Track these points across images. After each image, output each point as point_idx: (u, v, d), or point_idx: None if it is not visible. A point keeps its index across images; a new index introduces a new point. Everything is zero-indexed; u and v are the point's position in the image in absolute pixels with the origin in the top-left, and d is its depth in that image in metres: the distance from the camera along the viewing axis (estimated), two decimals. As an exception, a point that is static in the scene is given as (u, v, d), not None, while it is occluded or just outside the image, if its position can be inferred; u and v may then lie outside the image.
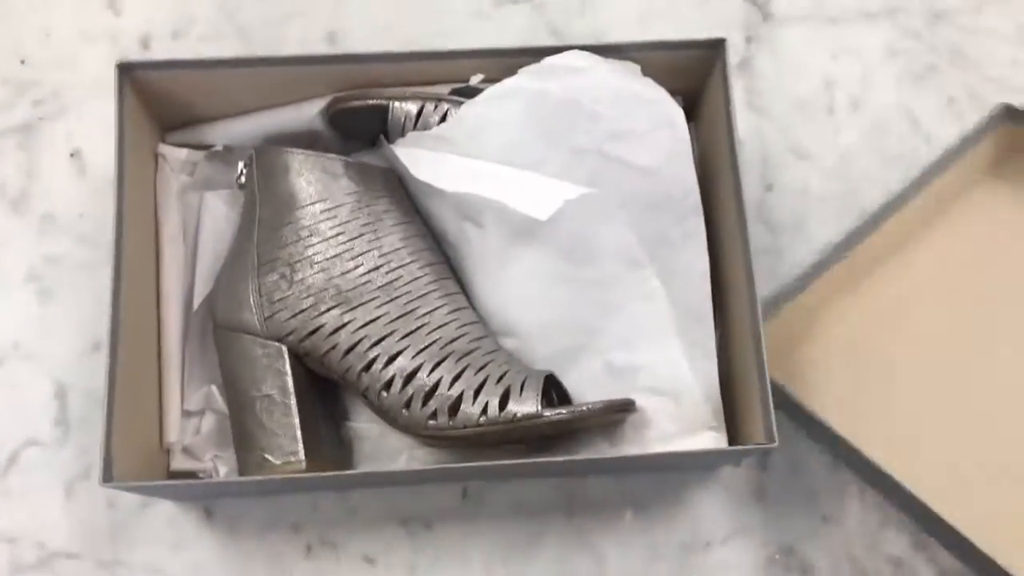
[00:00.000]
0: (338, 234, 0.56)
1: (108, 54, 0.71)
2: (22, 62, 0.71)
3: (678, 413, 0.58)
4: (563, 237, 0.57)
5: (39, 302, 0.66)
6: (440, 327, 0.56)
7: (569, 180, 0.57)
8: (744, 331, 0.55)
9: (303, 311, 0.56)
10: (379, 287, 0.56)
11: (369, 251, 0.56)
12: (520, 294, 0.58)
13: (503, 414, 0.53)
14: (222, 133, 0.64)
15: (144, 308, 0.60)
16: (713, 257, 0.58)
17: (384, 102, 0.59)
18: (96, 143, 0.69)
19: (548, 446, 0.59)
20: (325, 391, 0.60)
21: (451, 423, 0.54)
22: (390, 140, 0.61)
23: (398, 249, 0.57)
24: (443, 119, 0.59)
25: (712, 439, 0.57)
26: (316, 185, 0.57)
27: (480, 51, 0.59)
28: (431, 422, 0.54)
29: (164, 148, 0.64)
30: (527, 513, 0.62)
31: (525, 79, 0.58)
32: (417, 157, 0.59)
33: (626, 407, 0.55)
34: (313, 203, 0.57)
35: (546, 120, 0.58)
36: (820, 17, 0.73)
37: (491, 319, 0.59)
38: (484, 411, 0.54)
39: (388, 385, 0.55)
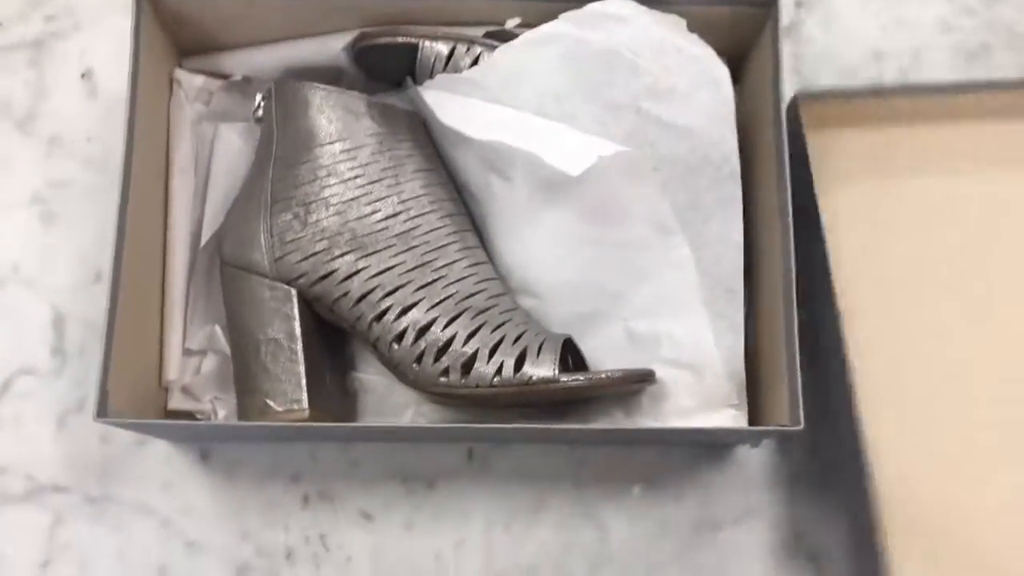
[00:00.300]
0: (357, 176, 0.54)
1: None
2: (36, -26, 0.68)
3: (698, 388, 0.55)
4: (593, 196, 0.54)
5: (42, 226, 0.64)
6: (457, 281, 0.54)
7: (604, 136, 0.55)
8: (775, 306, 0.53)
9: (315, 254, 0.54)
10: (396, 235, 0.54)
11: (388, 197, 0.54)
12: (543, 252, 0.56)
13: (518, 376, 0.52)
14: (242, 62, 0.61)
15: (150, 240, 0.57)
16: (747, 227, 0.56)
17: (414, 40, 0.56)
18: (109, 64, 0.66)
19: (561, 412, 0.56)
20: (333, 339, 0.57)
21: (463, 381, 0.52)
22: (417, 82, 0.58)
23: (419, 197, 0.55)
24: (475, 63, 0.56)
25: (732, 417, 0.55)
26: (337, 124, 0.55)
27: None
28: (442, 379, 0.53)
29: (180, 73, 0.61)
30: (533, 479, 0.60)
31: (564, 25, 0.56)
32: (445, 101, 0.56)
33: (645, 378, 0.53)
34: (332, 142, 0.54)
35: (583, 71, 0.55)
36: (873, -14, 0.70)
37: (511, 276, 0.57)
38: (499, 371, 0.52)
39: (400, 337, 0.53)
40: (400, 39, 0.57)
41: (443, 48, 0.56)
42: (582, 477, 0.61)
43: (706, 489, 0.61)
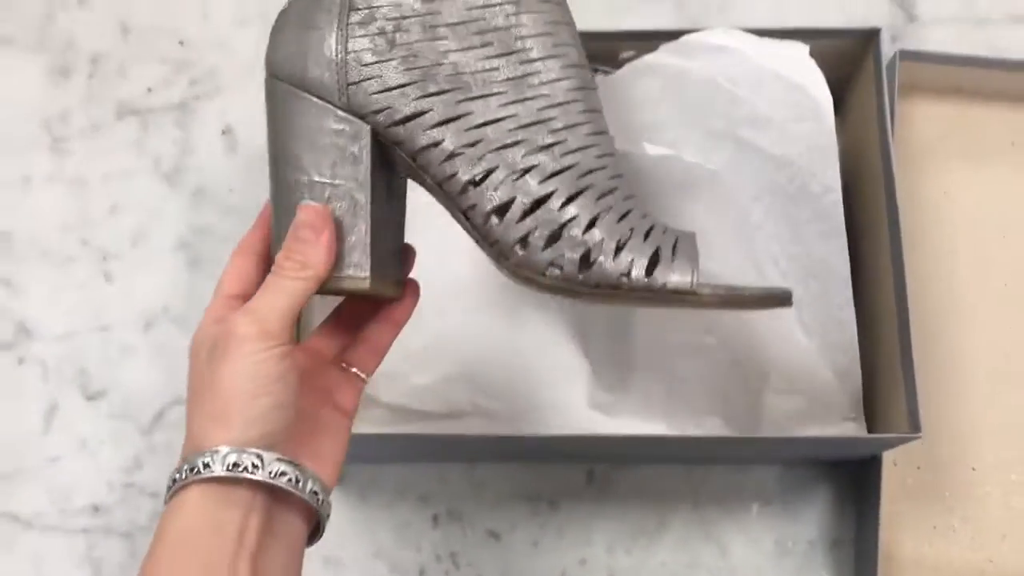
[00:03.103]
0: None
1: (261, 37, 0.74)
2: (181, 43, 0.75)
3: (812, 410, 0.57)
4: (692, 223, 0.55)
5: (188, 269, 0.69)
6: (578, 150, 0.43)
7: (705, 164, 0.56)
8: (889, 321, 0.55)
9: (402, 87, 0.42)
10: (509, 79, 0.43)
11: (503, 29, 0.43)
12: None
13: (650, 280, 0.42)
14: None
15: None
16: (856, 250, 0.58)
17: None
18: (246, 122, 0.72)
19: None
20: (399, 194, 0.47)
21: (581, 277, 0.43)
22: None
23: (540, 36, 0.43)
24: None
25: (851, 429, 0.56)
26: None
27: (630, 33, 0.60)
28: (553, 270, 0.43)
29: None
30: (652, 500, 0.63)
31: (665, 55, 0.58)
32: None
33: (784, 300, 0.45)
34: None
35: (684, 101, 0.57)
36: (968, 19, 0.72)
37: None
38: (627, 273, 0.42)
39: (502, 210, 0.43)
40: None
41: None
42: (701, 497, 0.62)
43: (823, 505, 0.62)
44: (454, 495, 0.63)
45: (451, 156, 0.43)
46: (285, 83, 0.43)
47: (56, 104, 0.73)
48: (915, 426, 0.51)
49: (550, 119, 0.43)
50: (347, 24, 0.42)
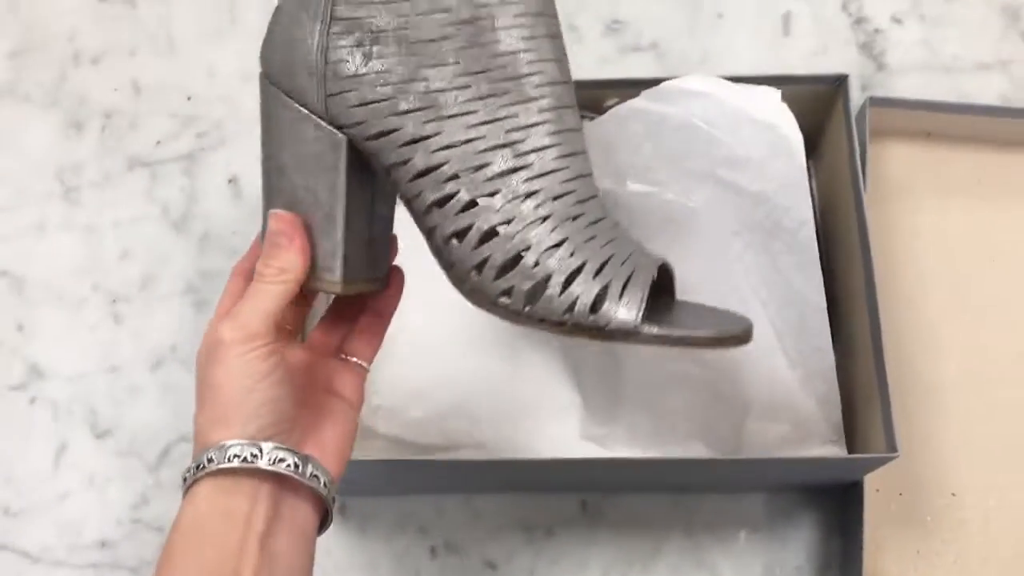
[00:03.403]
0: (445, 10, 0.42)
1: (265, 93, 0.78)
2: (189, 98, 0.78)
3: (795, 435, 0.59)
4: (674, 257, 0.58)
5: (195, 311, 0.72)
6: (543, 175, 0.42)
7: (686, 202, 0.59)
8: (864, 346, 0.57)
9: (376, 102, 0.42)
10: (480, 99, 0.42)
11: (477, 46, 0.42)
12: None
13: (593, 318, 0.41)
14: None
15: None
16: (833, 280, 0.61)
17: None
18: (252, 171, 0.75)
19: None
20: (386, 194, 0.47)
21: (527, 310, 0.42)
22: None
23: (515, 54, 0.42)
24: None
25: (832, 452, 0.58)
26: None
27: (613, 81, 0.63)
28: (504, 299, 0.42)
29: None
30: (645, 528, 0.64)
31: (646, 101, 0.61)
32: None
33: (741, 339, 0.43)
34: None
35: (665, 142, 0.60)
36: (935, 67, 0.76)
37: None
38: (571, 308, 0.41)
39: (461, 234, 0.42)
40: None
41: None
42: (691, 525, 0.64)
43: (809, 532, 0.64)
44: (451, 526, 0.65)
45: (419, 175, 0.42)
46: (275, 87, 0.44)
47: (70, 156, 0.76)
48: (892, 446, 0.53)
49: (517, 142, 0.42)
50: (328, 34, 0.43)
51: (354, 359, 0.48)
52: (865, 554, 0.59)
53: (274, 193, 0.44)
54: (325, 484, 0.42)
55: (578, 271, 0.42)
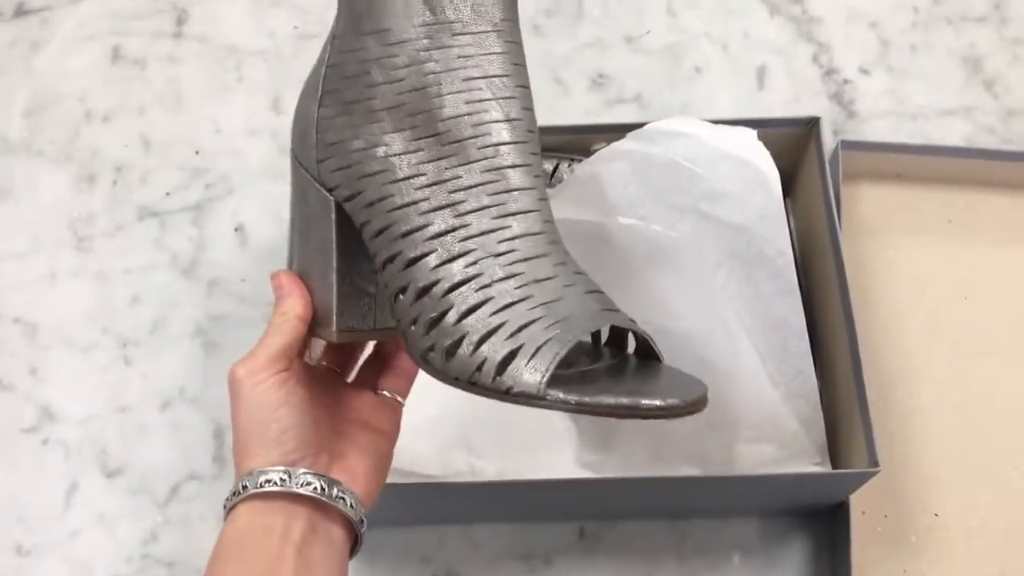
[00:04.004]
0: (399, 80, 0.44)
1: (269, 146, 0.82)
2: (196, 152, 0.82)
3: (781, 454, 0.62)
4: (659, 288, 0.61)
5: (204, 354, 0.74)
6: (481, 235, 0.43)
7: (672, 232, 0.62)
8: (844, 369, 0.61)
9: (349, 167, 0.45)
10: (429, 160, 0.44)
11: (425, 111, 0.44)
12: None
13: (496, 381, 0.41)
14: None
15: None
16: (814, 308, 0.64)
17: None
18: (257, 220, 0.79)
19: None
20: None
21: (443, 366, 0.42)
22: None
23: (459, 117, 0.44)
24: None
25: (817, 470, 0.61)
26: (386, 3, 0.44)
27: (600, 126, 0.68)
28: (430, 355, 0.43)
29: None
30: (641, 553, 0.67)
31: (631, 142, 0.65)
32: None
33: (666, 411, 0.40)
34: (379, 31, 0.44)
35: (650, 179, 0.63)
36: (902, 114, 0.81)
37: None
38: (479, 368, 0.41)
39: (404, 291, 0.44)
40: None
41: (548, 165, 0.68)
42: (685, 550, 0.67)
43: (801, 554, 0.66)
44: (453, 556, 0.67)
45: (376, 235, 0.45)
46: (293, 153, 0.48)
47: (82, 208, 0.80)
48: (874, 462, 0.56)
49: (458, 203, 0.44)
50: (320, 105, 0.46)
51: (388, 393, 0.51)
52: (854, 574, 0.61)
53: (292, 249, 0.49)
54: (352, 505, 0.45)
55: (493, 332, 0.41)
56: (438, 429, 0.66)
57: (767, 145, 0.65)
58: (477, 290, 0.42)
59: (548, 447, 0.66)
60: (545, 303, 0.42)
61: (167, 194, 0.80)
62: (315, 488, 0.44)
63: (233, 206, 0.80)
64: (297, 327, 0.46)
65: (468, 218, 0.43)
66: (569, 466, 0.66)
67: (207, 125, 0.83)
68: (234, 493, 0.44)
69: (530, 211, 0.44)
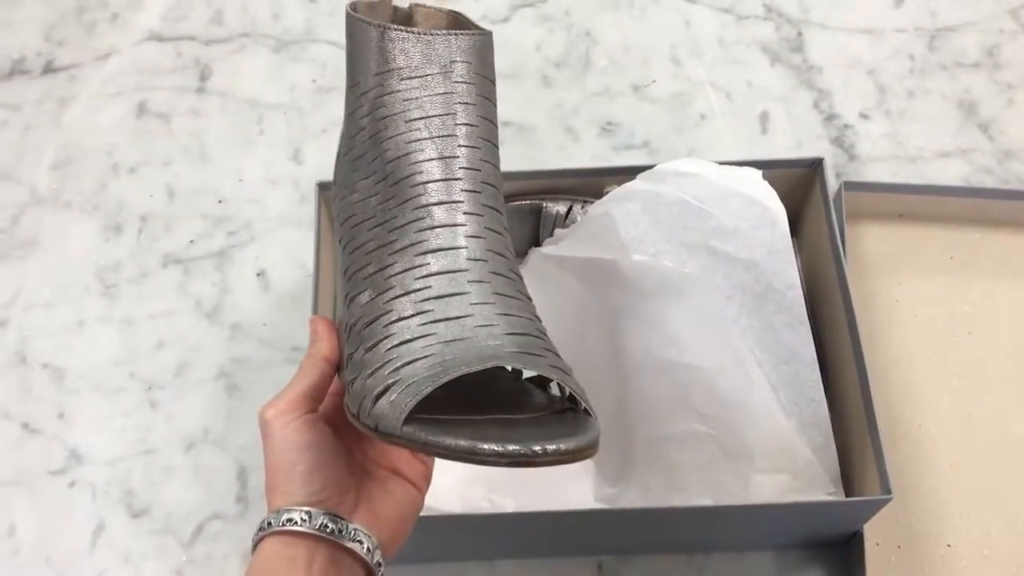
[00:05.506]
0: (361, 129, 0.48)
1: (290, 195, 0.85)
2: (220, 201, 0.85)
3: (796, 484, 0.64)
4: (675, 322, 0.63)
5: (227, 396, 0.76)
6: (400, 273, 0.45)
7: (684, 268, 0.64)
8: (855, 401, 0.62)
9: (339, 214, 0.50)
10: (380, 203, 0.46)
11: (379, 157, 0.47)
12: (633, 367, 0.64)
13: (368, 417, 0.42)
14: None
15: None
16: (823, 348, 0.66)
17: (538, 202, 0.71)
18: (279, 266, 0.81)
19: None
20: None
21: (347, 400, 0.45)
22: (541, 233, 0.71)
23: (399, 158, 0.46)
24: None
25: (831, 499, 0.62)
26: (364, 61, 0.47)
27: (610, 169, 0.71)
28: (350, 386, 0.45)
29: None
30: (658, 587, 0.68)
31: (642, 183, 0.67)
32: (552, 248, 0.68)
33: (502, 458, 0.40)
34: (360, 90, 0.48)
35: (661, 217, 0.66)
36: (901, 156, 0.84)
37: (607, 389, 0.65)
38: (362, 402, 0.43)
39: (344, 327, 0.47)
40: (527, 201, 0.71)
41: (562, 207, 0.70)
42: (702, 583, 0.68)
43: (817, 586, 0.67)
44: (475, 591, 0.68)
45: (343, 273, 0.47)
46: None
47: (108, 256, 0.82)
48: (887, 489, 0.58)
49: (392, 241, 0.45)
50: (338, 161, 0.50)
51: None
52: (869, 604, 0.62)
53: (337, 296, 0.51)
54: (369, 549, 0.46)
55: (381, 367, 0.43)
56: (457, 465, 0.67)
57: (772, 186, 0.68)
58: (385, 326, 0.44)
59: (566, 482, 0.67)
60: (445, 341, 0.42)
61: (191, 242, 0.83)
62: (332, 531, 0.45)
63: (255, 253, 0.82)
64: (323, 368, 0.48)
65: (395, 257, 0.45)
66: (587, 499, 0.67)
67: (230, 175, 0.86)
68: (260, 528, 0.46)
69: (451, 248, 0.45)
